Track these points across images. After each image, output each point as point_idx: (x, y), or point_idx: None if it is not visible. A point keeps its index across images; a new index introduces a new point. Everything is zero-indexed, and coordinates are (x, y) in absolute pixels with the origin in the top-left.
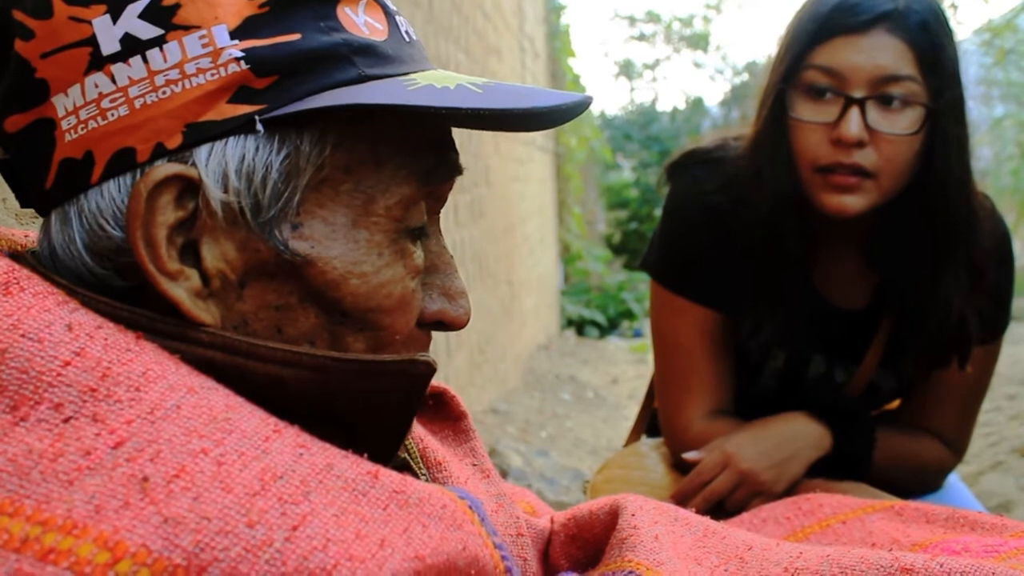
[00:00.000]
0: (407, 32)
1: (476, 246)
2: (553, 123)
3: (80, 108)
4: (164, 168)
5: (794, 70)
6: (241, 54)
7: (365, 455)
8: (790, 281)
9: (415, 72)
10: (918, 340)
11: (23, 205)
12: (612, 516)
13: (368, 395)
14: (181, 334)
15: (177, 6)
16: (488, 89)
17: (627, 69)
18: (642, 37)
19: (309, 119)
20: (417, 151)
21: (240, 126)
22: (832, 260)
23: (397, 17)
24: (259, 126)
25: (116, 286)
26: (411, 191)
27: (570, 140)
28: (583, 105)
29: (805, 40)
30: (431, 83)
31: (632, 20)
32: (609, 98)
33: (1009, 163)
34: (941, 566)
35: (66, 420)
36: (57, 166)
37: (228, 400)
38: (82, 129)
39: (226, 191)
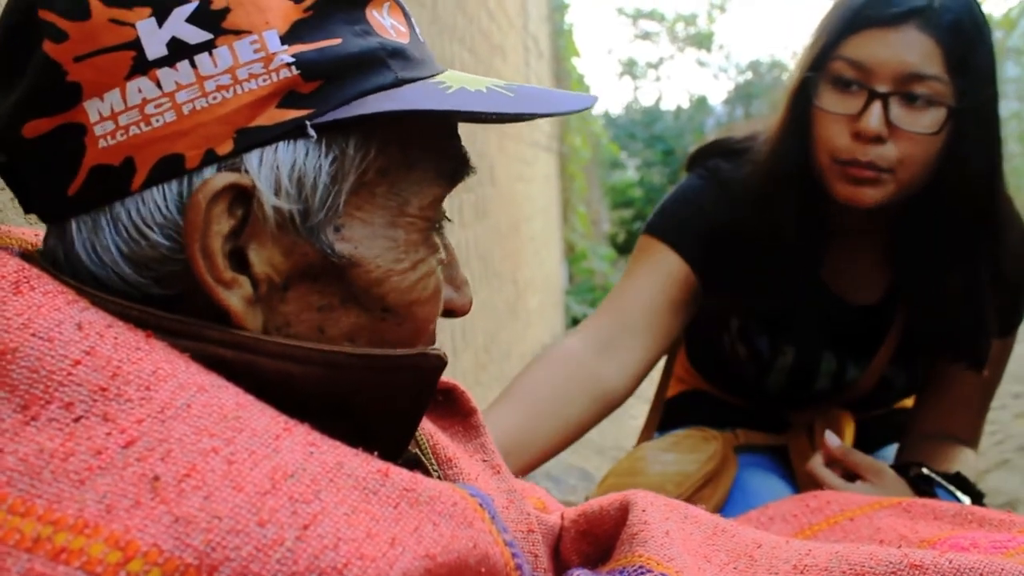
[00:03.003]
0: (418, 33)
1: (481, 246)
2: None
3: (119, 113)
4: (221, 177)
5: (823, 59)
6: (292, 59)
7: (376, 452)
8: (799, 277)
9: (438, 74)
10: (935, 338)
11: (27, 210)
12: (622, 512)
13: (379, 389)
14: (190, 332)
15: (227, 10)
16: (516, 92)
17: (631, 68)
18: (646, 36)
19: (353, 123)
20: (440, 153)
21: (289, 131)
22: (845, 255)
23: (412, 19)
24: (311, 131)
25: (154, 295)
26: (440, 191)
27: (575, 139)
28: (592, 104)
29: (836, 30)
30: (463, 86)
31: (636, 19)
32: (613, 97)
33: (1011, 161)
34: (951, 562)
35: (76, 419)
36: (87, 173)
37: (238, 398)
38: (121, 135)
39: (278, 196)
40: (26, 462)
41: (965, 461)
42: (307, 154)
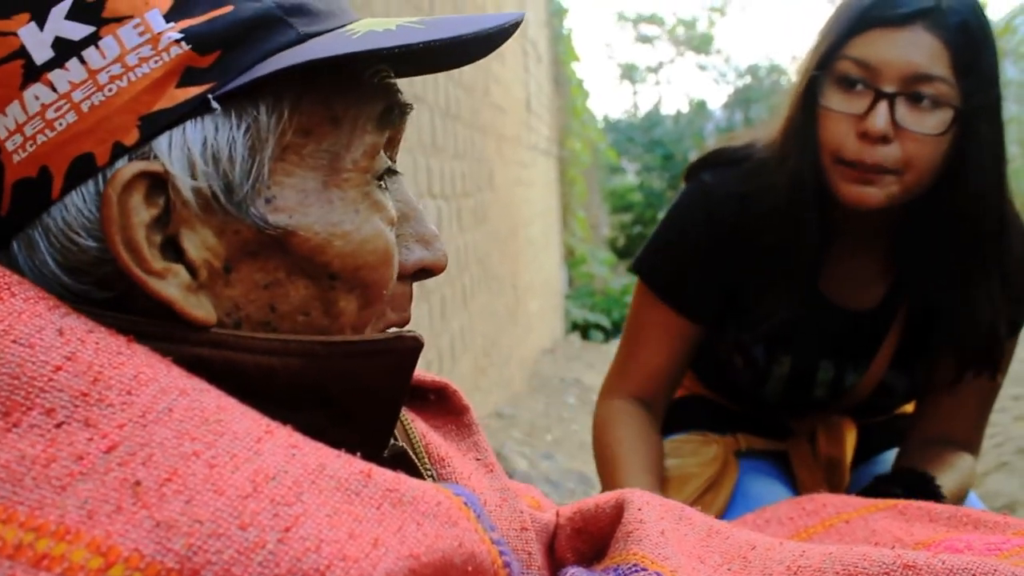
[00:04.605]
0: None
1: (480, 250)
2: (495, 46)
3: (24, 124)
4: (129, 168)
5: (829, 58)
6: (180, 35)
7: (360, 441)
8: (796, 285)
9: (349, 23)
10: (943, 345)
11: None
12: (618, 510)
13: (358, 376)
14: (168, 335)
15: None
16: (428, 23)
17: (630, 72)
18: (645, 40)
19: (262, 88)
20: (367, 99)
21: (194, 109)
22: (844, 260)
23: None
24: (214, 104)
25: (98, 299)
26: (372, 140)
27: (574, 144)
28: (520, 20)
29: (843, 29)
30: (371, 29)
31: (635, 23)
32: (612, 102)
33: (1010, 164)
34: (944, 563)
35: (58, 425)
36: (11, 190)
37: (220, 401)
38: (31, 146)
39: (194, 177)
40: (7, 468)
41: (963, 466)
42: (217, 129)
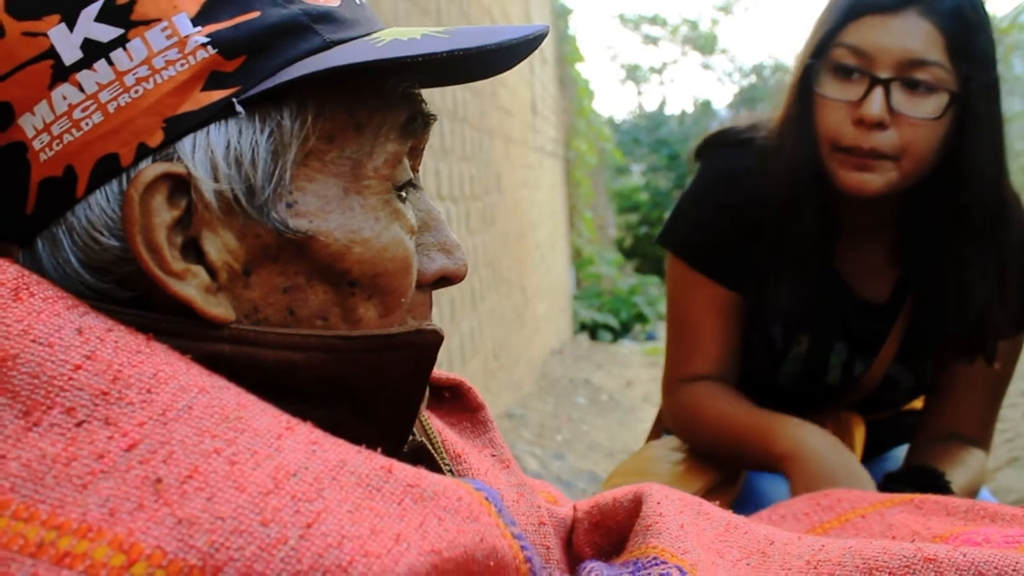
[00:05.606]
0: None
1: (489, 252)
2: (520, 58)
3: (51, 124)
4: (152, 169)
5: (824, 47)
6: (207, 39)
7: (381, 435)
8: (813, 263)
9: (375, 32)
10: (939, 335)
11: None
12: (636, 504)
13: (380, 370)
14: (188, 332)
15: (133, 2)
16: (453, 33)
17: (634, 73)
18: (649, 40)
19: (286, 93)
20: (391, 107)
21: (219, 112)
22: (856, 250)
23: None
24: (238, 107)
25: (120, 298)
26: (395, 148)
27: (580, 145)
28: (545, 32)
29: (837, 17)
30: (396, 38)
31: (639, 23)
32: (617, 102)
33: (1016, 160)
34: (964, 556)
35: (78, 424)
36: (36, 189)
37: (240, 399)
38: (57, 145)
39: (217, 180)
40: (29, 468)
41: (974, 462)
42: (240, 132)
